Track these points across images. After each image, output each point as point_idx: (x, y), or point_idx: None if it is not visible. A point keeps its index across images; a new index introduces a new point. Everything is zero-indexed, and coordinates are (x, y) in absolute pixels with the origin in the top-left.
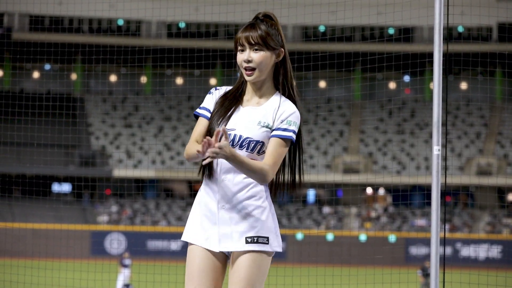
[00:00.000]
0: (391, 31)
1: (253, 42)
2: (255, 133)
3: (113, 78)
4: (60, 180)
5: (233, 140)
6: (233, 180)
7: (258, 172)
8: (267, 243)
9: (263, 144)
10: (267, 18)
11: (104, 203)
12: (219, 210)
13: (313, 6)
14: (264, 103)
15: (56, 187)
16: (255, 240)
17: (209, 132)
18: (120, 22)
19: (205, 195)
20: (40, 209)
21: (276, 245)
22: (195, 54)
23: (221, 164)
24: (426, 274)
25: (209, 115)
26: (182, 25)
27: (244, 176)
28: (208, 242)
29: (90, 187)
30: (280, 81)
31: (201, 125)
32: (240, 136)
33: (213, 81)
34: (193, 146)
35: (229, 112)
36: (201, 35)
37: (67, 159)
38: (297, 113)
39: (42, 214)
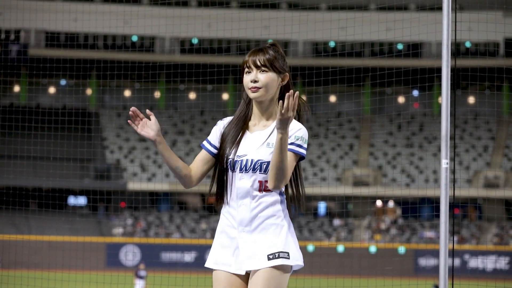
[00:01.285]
0: (400, 46)
1: (259, 64)
2: (266, 155)
3: (127, 93)
4: (76, 193)
5: (245, 165)
6: (249, 205)
7: (284, 170)
8: (288, 258)
9: None
10: (274, 46)
11: (119, 215)
12: (240, 233)
13: (324, 22)
14: (270, 124)
15: (72, 200)
16: (277, 256)
17: (223, 161)
18: (134, 38)
19: (225, 223)
20: (56, 221)
21: (298, 259)
22: (208, 70)
23: (238, 189)
24: None
25: (210, 148)
26: (195, 41)
27: (260, 200)
28: (233, 267)
29: (105, 200)
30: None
31: (202, 154)
32: (252, 160)
33: (225, 96)
34: (191, 167)
35: (237, 138)
36: (214, 51)
37: (83, 172)
38: (305, 130)
39: (58, 226)
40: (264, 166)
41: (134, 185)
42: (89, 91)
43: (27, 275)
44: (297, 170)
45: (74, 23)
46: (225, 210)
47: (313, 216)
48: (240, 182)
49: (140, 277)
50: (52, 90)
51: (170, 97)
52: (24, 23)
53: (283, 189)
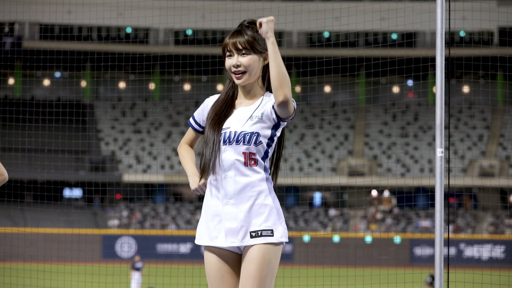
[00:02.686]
0: (394, 36)
1: (240, 47)
2: (249, 126)
3: (122, 84)
4: (71, 185)
5: (229, 137)
6: (234, 177)
7: (286, 75)
8: (272, 235)
9: (258, 134)
10: (252, 25)
11: (115, 207)
12: (224, 206)
13: (318, 12)
14: (255, 101)
15: (67, 192)
16: (259, 234)
17: (207, 136)
18: (129, 30)
19: (209, 196)
20: (51, 214)
21: (282, 236)
22: (202, 61)
23: (222, 161)
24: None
25: (196, 126)
26: (189, 32)
27: (245, 173)
28: (216, 240)
29: (100, 192)
30: (266, 83)
31: (191, 133)
32: (235, 132)
33: (220, 87)
34: (183, 149)
35: (222, 115)
36: (208, 42)
37: (78, 164)
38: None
39: (54, 218)
40: (248, 137)
41: (129, 177)
42: (83, 83)
43: (23, 267)
44: (281, 140)
45: (68, 15)
46: (209, 184)
47: (309, 206)
48: (224, 154)
49: (137, 269)
50: (46, 82)
51: (164, 89)
52: (18, 16)
53: (268, 166)
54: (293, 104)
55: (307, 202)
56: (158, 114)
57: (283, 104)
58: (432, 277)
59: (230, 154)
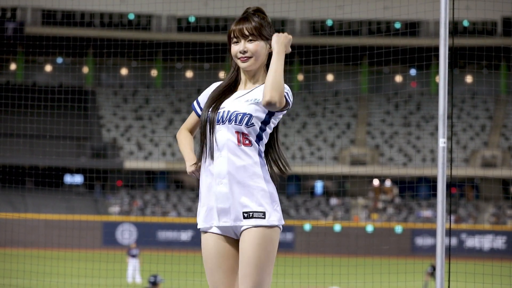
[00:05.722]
0: (397, 25)
1: (247, 34)
2: (242, 107)
3: (124, 71)
4: (72, 171)
5: (222, 116)
6: (227, 157)
7: (281, 82)
8: (263, 218)
9: (250, 116)
10: (258, 12)
11: (116, 194)
12: (217, 185)
13: (321, 0)
14: (254, 87)
15: (68, 179)
16: (251, 215)
17: (205, 117)
18: (131, 16)
19: (203, 176)
20: (52, 200)
21: (274, 219)
22: (205, 48)
23: (216, 140)
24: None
25: (200, 111)
26: (192, 19)
27: (238, 154)
28: (210, 221)
29: (101, 179)
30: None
31: (193, 117)
32: (228, 111)
33: (222, 74)
34: (182, 136)
35: (221, 97)
36: (211, 29)
37: (79, 151)
38: (287, 86)
39: (55, 205)
40: (240, 117)
41: (130, 164)
42: (85, 69)
43: (24, 253)
44: (275, 134)
45: (71, 1)
46: (204, 164)
47: (310, 195)
48: (218, 134)
49: (133, 256)
50: (48, 68)
51: (167, 76)
52: (21, 1)
53: (263, 151)
54: (282, 101)
55: (308, 190)
56: (160, 101)
57: (267, 105)
58: (433, 267)
59: (223, 134)
